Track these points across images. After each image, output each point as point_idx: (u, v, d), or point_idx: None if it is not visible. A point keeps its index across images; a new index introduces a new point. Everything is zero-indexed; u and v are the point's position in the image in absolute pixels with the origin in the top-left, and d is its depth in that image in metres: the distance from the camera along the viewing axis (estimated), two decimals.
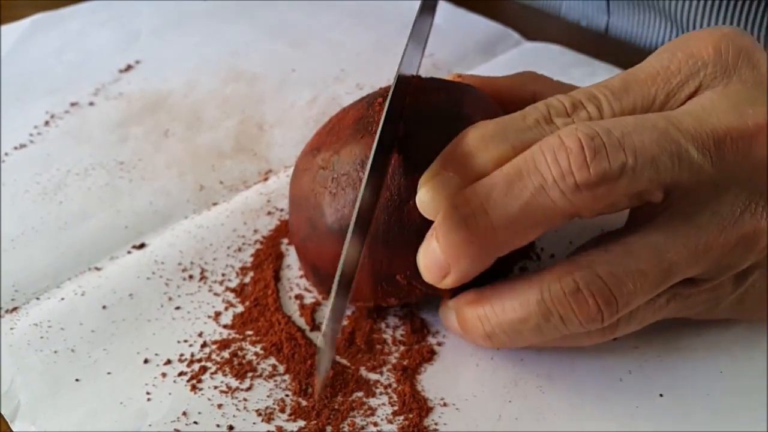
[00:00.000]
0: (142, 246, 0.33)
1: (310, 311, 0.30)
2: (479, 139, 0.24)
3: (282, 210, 0.35)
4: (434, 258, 0.24)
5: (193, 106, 0.42)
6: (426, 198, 0.24)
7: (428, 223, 0.24)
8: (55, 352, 0.28)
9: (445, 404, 0.26)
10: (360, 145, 0.27)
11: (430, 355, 0.28)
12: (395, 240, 0.26)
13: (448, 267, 0.24)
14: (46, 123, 0.40)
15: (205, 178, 0.37)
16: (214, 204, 0.35)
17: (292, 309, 0.30)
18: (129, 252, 0.33)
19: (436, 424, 0.25)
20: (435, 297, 0.27)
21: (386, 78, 0.41)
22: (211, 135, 0.40)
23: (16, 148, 0.39)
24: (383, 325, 0.29)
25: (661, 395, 0.26)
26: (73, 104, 0.42)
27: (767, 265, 0.25)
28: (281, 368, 0.27)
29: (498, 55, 0.46)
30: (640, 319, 0.25)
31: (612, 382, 0.27)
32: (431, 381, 0.27)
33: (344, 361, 0.27)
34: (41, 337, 0.29)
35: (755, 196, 0.24)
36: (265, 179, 0.37)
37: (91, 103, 0.42)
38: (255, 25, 0.50)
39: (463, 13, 0.51)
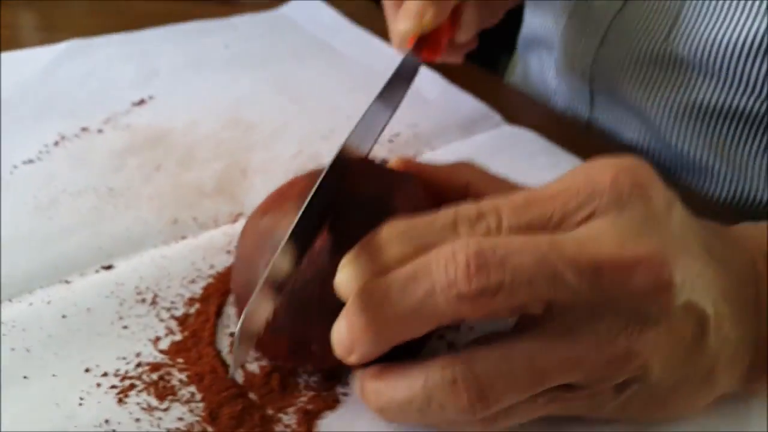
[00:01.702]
0: (109, 267, 0.37)
1: None
2: (389, 236, 0.27)
3: None
4: (342, 336, 0.26)
5: (189, 146, 0.46)
6: (342, 280, 0.27)
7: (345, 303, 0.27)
8: (13, 349, 0.32)
9: None
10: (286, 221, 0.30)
11: (333, 403, 0.31)
12: (315, 312, 0.29)
13: (350, 348, 0.26)
14: (56, 143, 0.45)
15: (181, 213, 0.41)
16: (183, 238, 0.39)
17: (224, 344, 0.33)
18: (97, 271, 0.37)
19: None
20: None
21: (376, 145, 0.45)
22: (197, 174, 0.44)
23: (24, 162, 0.44)
24: (301, 370, 0.32)
25: None
26: (83, 129, 0.47)
27: (645, 380, 0.27)
28: (198, 396, 0.31)
29: (476, 134, 0.50)
30: (520, 415, 0.27)
31: None
32: (329, 426, 0.30)
33: (255, 398, 0.31)
34: (3, 335, 0.33)
35: (632, 321, 0.25)
36: (234, 221, 0.41)
37: (100, 131, 0.47)
38: (264, 77, 0.54)
39: (455, 90, 0.54)
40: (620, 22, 0.52)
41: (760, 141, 0.48)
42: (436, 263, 0.25)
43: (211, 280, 0.36)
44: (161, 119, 0.48)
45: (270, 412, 0.30)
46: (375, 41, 0.61)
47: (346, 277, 0.27)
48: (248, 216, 0.34)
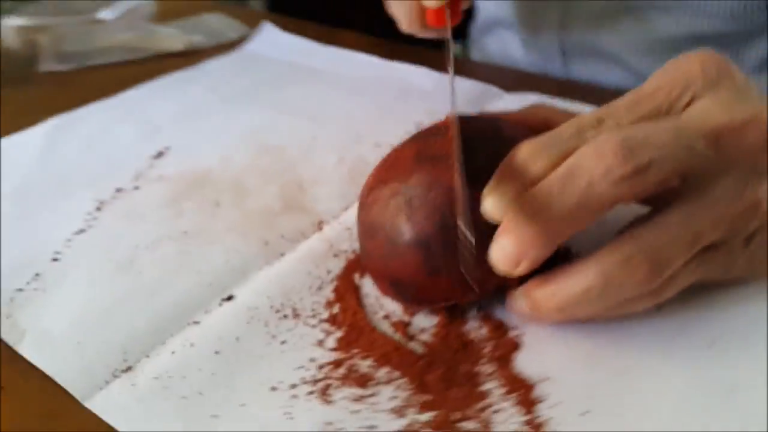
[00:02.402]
0: (230, 298, 0.36)
1: (403, 326, 0.34)
2: (527, 154, 0.30)
3: (345, 251, 0.39)
4: (506, 252, 0.28)
5: (234, 178, 0.46)
6: (491, 205, 0.29)
7: (492, 227, 0.29)
8: (184, 397, 0.31)
9: (543, 380, 0.30)
10: (424, 171, 0.32)
11: (515, 346, 0.32)
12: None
13: (519, 258, 0.28)
14: (98, 209, 0.44)
15: (266, 235, 0.41)
16: (282, 255, 0.39)
17: (385, 327, 0.34)
18: (220, 304, 0.36)
19: (541, 395, 0.30)
20: (503, 293, 0.32)
21: (400, 134, 0.47)
22: (258, 200, 0.44)
23: (76, 233, 0.42)
24: (467, 328, 0.33)
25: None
26: (118, 190, 0.45)
27: (767, 226, 0.31)
28: (396, 373, 0.31)
29: (486, 107, 0.53)
30: (678, 282, 0.30)
31: (665, 339, 0.32)
32: (524, 365, 0.31)
33: (444, 364, 0.31)
34: (165, 387, 0.31)
35: (752, 174, 0.30)
36: (320, 228, 0.41)
37: (136, 187, 0.45)
38: (268, 107, 0.55)
39: (444, 77, 0.58)
40: None
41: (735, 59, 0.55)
42: (587, 159, 0.28)
43: (335, 282, 0.37)
44: (190, 164, 0.48)
45: (467, 368, 0.31)
46: (348, 54, 0.63)
47: (494, 201, 0.29)
48: (358, 203, 0.36)
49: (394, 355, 0.32)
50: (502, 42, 0.68)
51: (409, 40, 0.66)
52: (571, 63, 0.61)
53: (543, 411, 0.29)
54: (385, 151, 0.49)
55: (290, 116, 0.53)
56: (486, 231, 0.30)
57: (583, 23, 0.58)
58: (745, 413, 0.28)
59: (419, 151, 0.33)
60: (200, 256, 0.39)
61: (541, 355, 0.32)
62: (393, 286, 0.34)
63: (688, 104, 0.31)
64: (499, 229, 0.29)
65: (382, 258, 0.33)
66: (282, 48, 0.65)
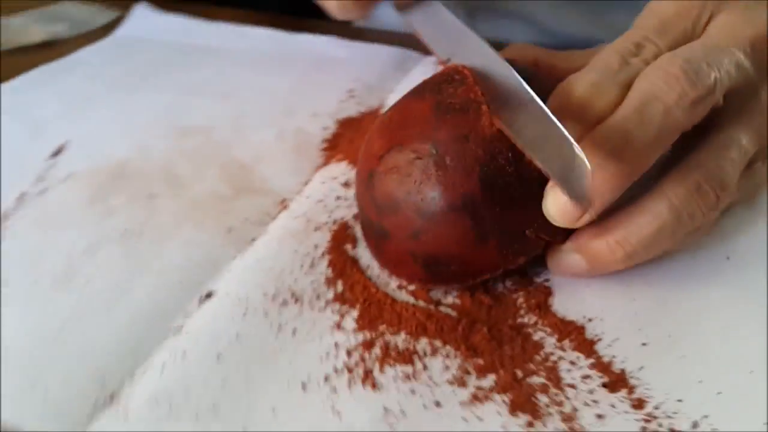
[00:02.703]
0: (210, 294, 0.31)
1: (425, 292, 0.30)
2: (590, 87, 0.28)
3: (326, 223, 0.34)
4: (568, 202, 0.25)
5: (161, 167, 0.39)
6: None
7: (544, 176, 0.26)
8: (197, 414, 0.25)
9: (589, 319, 0.29)
10: (452, 123, 0.28)
11: (548, 291, 0.30)
12: (520, 198, 0.28)
13: (585, 207, 0.26)
14: (6, 217, 0.35)
15: (225, 221, 0.35)
16: (253, 239, 0.34)
17: (404, 297, 0.30)
18: (201, 303, 0.30)
19: (595, 335, 0.28)
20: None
21: (334, 103, 0.44)
22: (200, 186, 0.38)
23: None
24: (489, 283, 0.31)
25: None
26: (21, 196, 0.37)
27: None
28: (438, 342, 0.28)
29: (411, 70, 0.51)
30: (734, 193, 0.29)
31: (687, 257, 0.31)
32: (563, 309, 0.29)
33: (484, 323, 0.29)
34: (168, 409, 0.26)
35: None
36: (285, 207, 0.36)
37: (43, 191, 0.37)
38: (169, 90, 0.48)
39: (357, 44, 0.54)
40: None
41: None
42: (657, 86, 0.27)
43: (328, 256, 0.32)
44: (102, 157, 0.40)
45: (509, 322, 0.29)
46: (243, 29, 0.57)
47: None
48: (359, 178, 0.32)
49: (428, 324, 0.28)
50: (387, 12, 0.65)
51: (296, 11, 0.62)
52: (477, 23, 0.60)
53: (603, 350, 0.27)
54: (325, 121, 0.45)
55: (199, 97, 0.47)
56: (536, 177, 0.27)
57: None
58: None
59: (439, 102, 0.29)
60: (154, 254, 0.33)
61: (575, 296, 0.30)
62: (426, 267, 0.30)
63: (708, 23, 0.30)
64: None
65: (410, 236, 0.29)
66: (163, 29, 0.57)
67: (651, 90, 0.27)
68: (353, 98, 0.47)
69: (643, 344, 0.27)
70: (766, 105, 0.29)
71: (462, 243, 0.28)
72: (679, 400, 0.25)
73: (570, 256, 0.29)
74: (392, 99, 0.47)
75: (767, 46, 0.29)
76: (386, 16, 0.67)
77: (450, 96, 0.29)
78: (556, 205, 0.26)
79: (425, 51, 0.53)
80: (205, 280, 0.31)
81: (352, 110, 0.45)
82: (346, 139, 0.42)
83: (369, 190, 0.31)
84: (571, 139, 0.25)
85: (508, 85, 0.28)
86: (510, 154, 0.28)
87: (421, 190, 0.28)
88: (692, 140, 0.29)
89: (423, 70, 0.50)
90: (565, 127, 0.26)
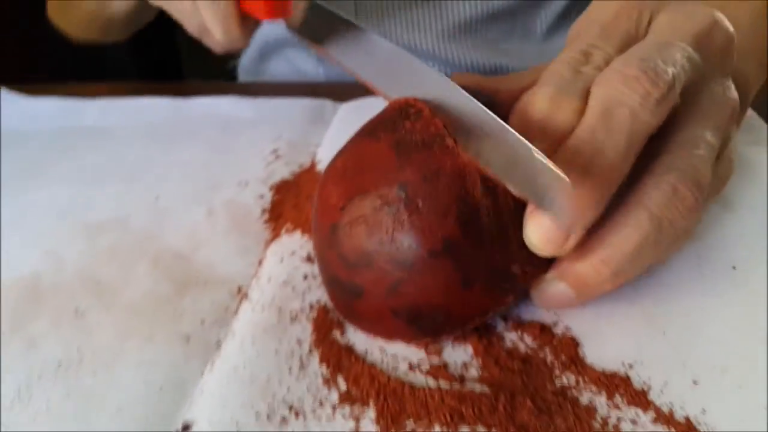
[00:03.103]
0: (187, 428, 0.25)
1: (443, 370, 0.26)
2: (548, 101, 0.26)
3: (302, 310, 0.29)
4: (551, 226, 0.24)
5: (80, 274, 0.33)
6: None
7: (521, 204, 0.25)
8: None
9: (630, 366, 0.26)
10: (418, 161, 0.26)
11: (575, 342, 0.27)
12: (501, 232, 0.25)
13: (571, 228, 0.24)
14: None
15: (178, 329, 0.29)
16: (219, 344, 0.28)
17: (422, 380, 0.26)
18: None
19: (643, 383, 0.25)
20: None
21: (260, 165, 0.41)
22: (134, 289, 0.32)
23: None
24: (508, 345, 0.27)
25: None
26: None
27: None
28: (481, 429, 0.24)
29: (333, 119, 0.47)
30: (707, 204, 0.28)
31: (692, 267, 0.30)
32: (597, 358, 0.26)
33: (524, 394, 0.25)
34: None
35: (725, 77, 0.29)
36: (246, 296, 0.31)
37: None
38: (59, 182, 0.41)
39: (265, 100, 0.50)
40: None
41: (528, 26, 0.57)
42: (618, 90, 0.25)
43: (316, 351, 0.27)
44: (6, 276, 0.33)
45: (548, 387, 0.25)
46: (126, 102, 0.51)
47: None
48: (317, 236, 0.28)
49: (463, 408, 0.24)
50: (290, 62, 0.62)
51: (160, 74, 0.57)
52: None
53: (658, 399, 0.24)
54: (258, 188, 0.40)
55: (101, 184, 0.41)
56: (513, 208, 0.25)
57: (376, 20, 0.55)
58: None
59: (398, 140, 0.26)
60: (103, 387, 0.27)
61: (605, 341, 0.27)
62: (410, 321, 0.26)
63: (648, 24, 0.29)
64: (530, 204, 0.24)
65: (388, 290, 0.26)
66: (40, 115, 0.50)
67: (612, 95, 0.25)
68: (280, 158, 0.42)
69: (695, 382, 0.25)
70: (719, 97, 0.28)
71: (447, 290, 0.25)
72: None
73: (554, 286, 0.27)
74: (323, 152, 0.43)
75: (711, 40, 0.28)
76: (276, 68, 0.64)
77: (409, 132, 0.27)
78: (539, 232, 0.24)
79: (340, 97, 0.50)
80: (175, 410, 0.26)
81: (283, 172, 0.41)
82: (288, 205, 0.37)
83: (333, 247, 0.27)
84: (545, 158, 0.23)
85: (468, 113, 0.26)
86: (484, 187, 0.25)
87: (395, 238, 0.25)
88: (654, 142, 0.27)
89: (347, 116, 0.47)
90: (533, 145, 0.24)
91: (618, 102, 0.25)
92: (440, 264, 0.25)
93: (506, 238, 0.25)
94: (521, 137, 0.24)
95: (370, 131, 0.28)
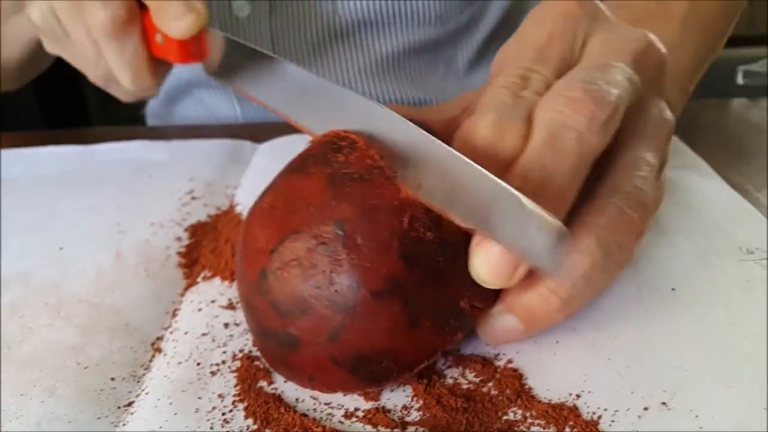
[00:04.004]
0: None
1: (383, 415, 0.24)
2: (492, 127, 0.24)
3: (223, 362, 0.27)
4: (499, 257, 0.22)
5: None
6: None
7: (467, 236, 0.23)
8: None
9: (577, 396, 0.24)
10: (354, 196, 0.24)
11: (517, 372, 0.26)
12: (447, 267, 0.24)
13: (519, 257, 0.22)
14: None
15: (85, 383, 0.26)
16: (130, 402, 0.25)
17: (359, 428, 0.24)
18: None
19: (593, 413, 0.24)
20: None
21: (172, 208, 0.39)
22: (33, 341, 0.28)
23: None
24: (449, 383, 0.25)
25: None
26: None
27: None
28: None
29: (251, 159, 0.45)
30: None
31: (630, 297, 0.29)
32: (543, 389, 0.25)
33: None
34: None
35: (658, 97, 0.29)
36: (159, 350, 0.28)
37: None
38: None
39: (177, 143, 0.47)
40: (277, 21, 0.53)
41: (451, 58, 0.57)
42: (564, 114, 0.24)
43: (242, 405, 0.25)
44: None
45: (497, 424, 0.23)
46: (21, 153, 0.47)
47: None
48: (243, 284, 0.26)
49: None
50: (203, 105, 0.59)
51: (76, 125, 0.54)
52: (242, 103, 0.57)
53: (609, 428, 0.23)
54: (172, 230, 0.37)
55: (2, 238, 0.37)
56: (459, 240, 0.23)
57: (295, 58, 0.54)
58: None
59: (331, 175, 0.25)
60: None
61: (549, 372, 0.26)
62: (353, 370, 0.24)
63: (585, 43, 0.28)
64: (476, 236, 0.23)
65: (328, 338, 0.23)
66: None
67: (558, 119, 0.24)
68: (196, 200, 0.40)
69: (645, 409, 0.24)
70: (656, 117, 0.28)
71: (393, 332, 0.23)
72: None
73: (502, 320, 0.25)
74: (242, 194, 0.40)
75: (646, 61, 0.28)
76: (187, 110, 0.61)
77: (343, 165, 0.25)
78: (488, 264, 0.22)
79: (258, 138, 0.48)
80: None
81: (200, 214, 0.38)
82: (206, 249, 0.35)
83: (263, 295, 0.25)
84: (497, 179, 0.22)
85: (404, 142, 0.24)
86: (427, 219, 0.24)
87: (333, 280, 0.23)
88: (596, 164, 0.26)
89: (267, 156, 0.45)
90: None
91: (564, 126, 0.24)
92: (385, 304, 0.23)
93: (453, 272, 0.24)
94: (467, 160, 0.22)
95: (299, 167, 0.26)
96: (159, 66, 0.38)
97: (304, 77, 0.30)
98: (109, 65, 0.37)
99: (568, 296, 0.24)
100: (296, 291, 0.24)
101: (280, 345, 0.25)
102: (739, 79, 0.51)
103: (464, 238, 0.23)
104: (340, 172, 0.24)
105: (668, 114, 0.29)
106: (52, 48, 0.40)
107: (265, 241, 0.25)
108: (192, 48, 0.35)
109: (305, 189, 0.25)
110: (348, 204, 0.24)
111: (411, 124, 0.24)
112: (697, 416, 0.23)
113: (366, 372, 0.24)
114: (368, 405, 0.25)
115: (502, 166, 0.24)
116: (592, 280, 0.25)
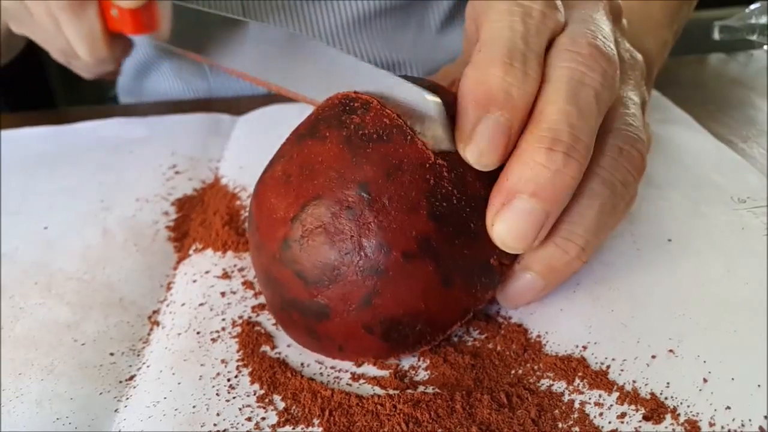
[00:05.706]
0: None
1: (392, 376, 0.24)
2: (510, 70, 0.23)
3: (224, 329, 0.26)
4: (529, 215, 0.22)
5: None
6: (489, 160, 0.23)
7: (488, 192, 0.23)
8: None
9: (583, 347, 0.24)
10: (376, 156, 0.23)
11: (522, 328, 0.26)
12: (475, 223, 0.23)
13: (546, 215, 0.22)
14: None
15: (84, 359, 0.25)
16: (132, 377, 0.25)
17: (368, 390, 0.23)
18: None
19: (601, 363, 0.24)
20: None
21: (156, 183, 0.38)
22: (26, 321, 0.27)
23: None
24: (456, 342, 0.25)
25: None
26: None
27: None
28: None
29: (232, 132, 0.44)
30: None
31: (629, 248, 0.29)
32: (549, 343, 0.25)
33: (481, 390, 0.23)
34: None
35: (623, 39, 0.29)
36: (156, 323, 0.27)
37: None
38: None
39: (157, 119, 0.46)
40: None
41: (421, 23, 0.56)
42: (578, 72, 0.24)
43: (246, 369, 0.24)
44: None
45: (507, 378, 0.23)
46: None
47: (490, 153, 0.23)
48: (263, 254, 0.25)
49: (418, 413, 0.22)
50: (173, 75, 0.58)
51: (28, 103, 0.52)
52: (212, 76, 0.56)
53: (619, 378, 0.23)
54: (160, 205, 0.36)
55: None
56: (484, 195, 0.23)
57: (265, 20, 0.53)
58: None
59: (348, 136, 0.24)
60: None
61: (554, 326, 0.26)
62: (386, 335, 0.23)
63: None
64: (500, 192, 0.23)
65: (361, 304, 0.23)
66: None
67: (574, 76, 0.24)
68: (180, 174, 0.39)
69: (653, 357, 0.24)
70: (628, 57, 0.29)
71: (426, 294, 0.23)
72: (728, 407, 0.22)
73: (521, 279, 0.25)
74: (226, 166, 0.39)
75: (611, 5, 0.29)
76: (158, 84, 0.60)
77: (359, 126, 0.24)
78: (511, 228, 0.22)
79: (236, 111, 0.47)
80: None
81: (186, 188, 0.37)
82: (195, 222, 0.34)
83: (287, 265, 0.24)
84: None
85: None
86: (452, 175, 0.23)
87: (362, 245, 0.23)
88: None
89: (247, 127, 0.44)
90: (497, 118, 0.23)
91: (581, 83, 0.24)
92: (417, 265, 0.22)
93: (480, 230, 0.23)
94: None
95: (310, 132, 0.25)
96: (116, 39, 0.40)
97: (276, 35, 0.30)
98: (68, 39, 0.40)
99: (583, 242, 0.24)
100: (324, 258, 0.23)
101: (306, 316, 0.24)
102: (716, 35, 0.51)
103: (487, 193, 0.23)
104: (358, 134, 0.24)
105: (636, 54, 0.29)
106: (17, 28, 0.43)
107: (284, 209, 0.24)
108: (144, 18, 0.37)
109: (321, 153, 0.24)
110: (370, 165, 0.23)
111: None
112: (705, 362, 0.23)
113: (399, 337, 0.24)
114: (375, 367, 0.25)
115: (520, 108, 0.23)
116: (603, 222, 0.25)
